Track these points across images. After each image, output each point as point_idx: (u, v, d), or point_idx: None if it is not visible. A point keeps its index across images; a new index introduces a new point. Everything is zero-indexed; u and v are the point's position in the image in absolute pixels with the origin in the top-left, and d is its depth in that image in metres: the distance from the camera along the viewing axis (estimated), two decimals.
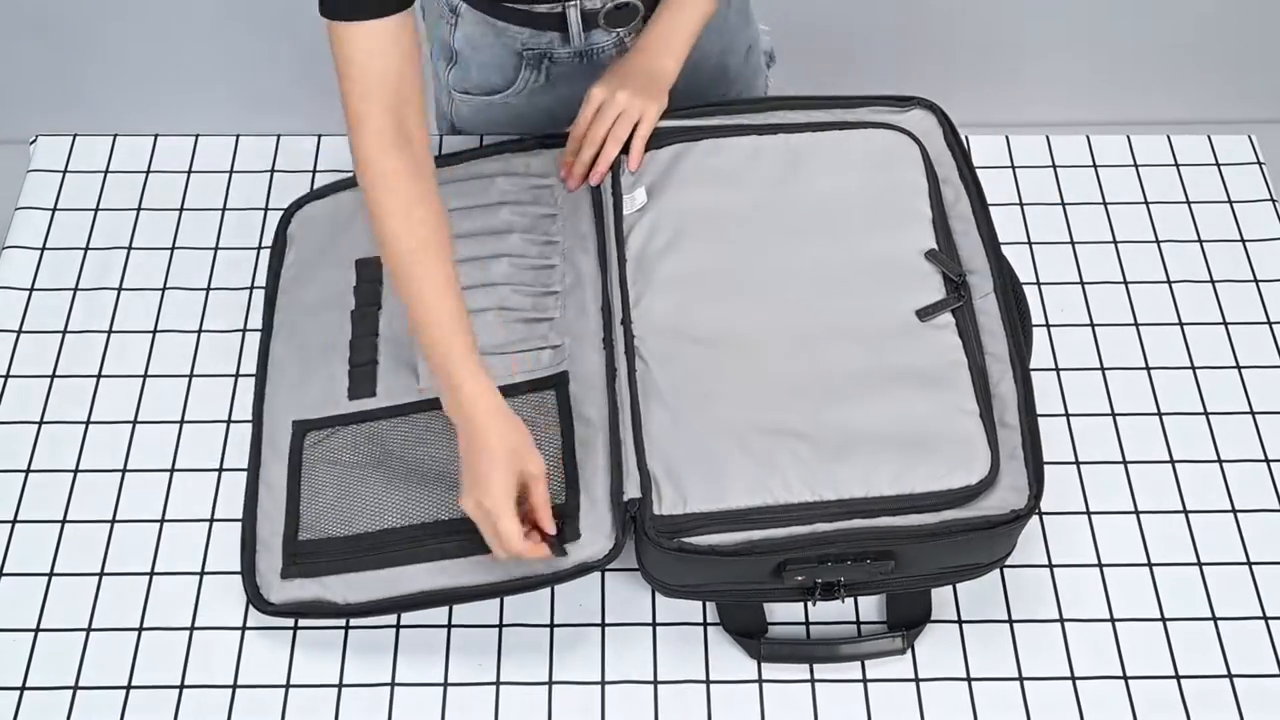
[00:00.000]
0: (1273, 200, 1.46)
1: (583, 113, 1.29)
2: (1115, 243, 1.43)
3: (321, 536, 1.17)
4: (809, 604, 1.18)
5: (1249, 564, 1.22)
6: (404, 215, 1.08)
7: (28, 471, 1.27)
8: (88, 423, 1.30)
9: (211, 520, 1.24)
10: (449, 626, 1.18)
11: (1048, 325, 1.36)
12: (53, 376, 1.33)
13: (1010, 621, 1.18)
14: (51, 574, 1.21)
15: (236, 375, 1.33)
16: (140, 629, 1.18)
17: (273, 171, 1.48)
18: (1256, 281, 1.40)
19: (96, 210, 1.45)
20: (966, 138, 1.47)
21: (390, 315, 1.29)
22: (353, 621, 1.18)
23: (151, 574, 1.21)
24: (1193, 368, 1.34)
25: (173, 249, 1.42)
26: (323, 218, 1.38)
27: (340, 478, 1.20)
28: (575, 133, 1.30)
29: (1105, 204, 1.46)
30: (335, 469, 1.21)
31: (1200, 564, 1.22)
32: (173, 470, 1.27)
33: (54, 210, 1.45)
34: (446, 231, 1.11)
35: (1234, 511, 1.25)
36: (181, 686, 1.15)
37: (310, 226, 1.38)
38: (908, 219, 1.26)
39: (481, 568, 1.13)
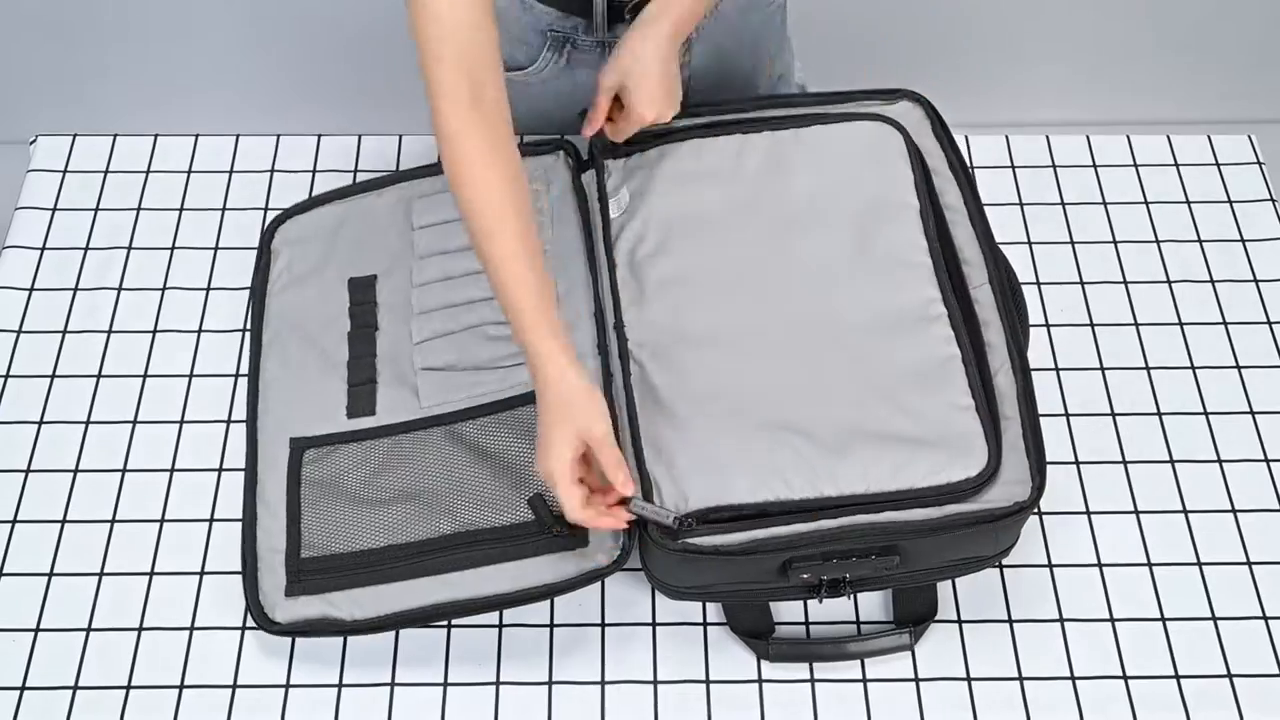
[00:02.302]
0: (1273, 200, 1.46)
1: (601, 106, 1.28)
2: (1115, 243, 1.43)
3: (324, 553, 1.17)
4: (816, 601, 1.18)
5: (1249, 564, 1.22)
6: (480, 188, 1.09)
7: (28, 471, 1.27)
8: (88, 423, 1.30)
9: (211, 520, 1.24)
10: (449, 627, 1.18)
11: (1048, 325, 1.36)
12: (53, 376, 1.33)
13: (1010, 621, 1.18)
14: (51, 574, 1.21)
15: (236, 375, 1.33)
16: (140, 629, 1.18)
17: (273, 171, 1.48)
18: (1256, 281, 1.40)
19: (96, 210, 1.45)
20: (966, 138, 1.47)
21: (388, 336, 1.29)
22: None
23: (151, 574, 1.21)
24: (1193, 368, 1.34)
25: (173, 249, 1.42)
26: (309, 232, 1.38)
27: (341, 495, 1.20)
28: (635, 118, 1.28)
29: (1105, 204, 1.46)
30: (336, 486, 1.21)
31: (1200, 564, 1.22)
32: (173, 470, 1.27)
33: (54, 210, 1.45)
34: (523, 197, 1.11)
35: (1234, 511, 1.25)
36: (181, 686, 1.15)
37: (296, 241, 1.38)
38: (894, 212, 1.26)
39: (488, 579, 1.13)
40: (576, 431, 1.07)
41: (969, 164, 1.31)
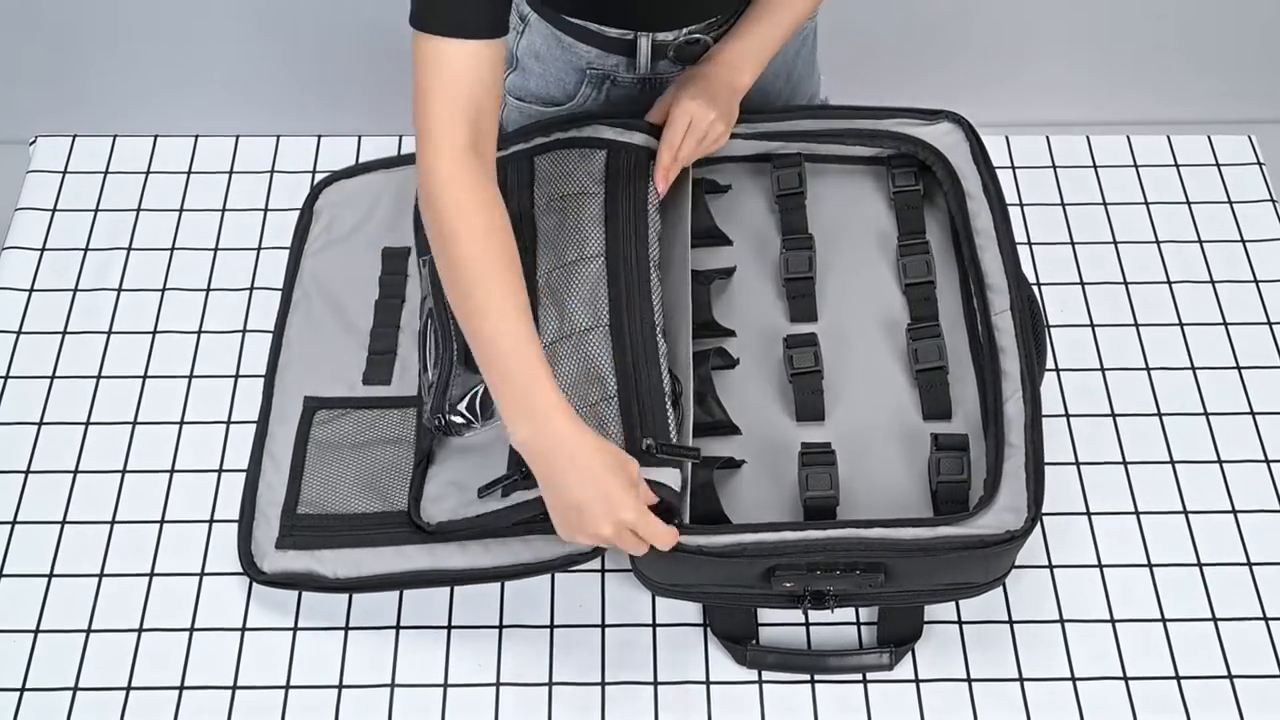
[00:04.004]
0: (1273, 200, 1.46)
1: (676, 124, 1.25)
2: (1115, 243, 1.43)
3: (319, 512, 1.19)
4: (801, 612, 1.17)
5: (1249, 564, 1.22)
6: (480, 240, 1.03)
7: (28, 472, 1.27)
8: (88, 423, 1.30)
9: (211, 520, 1.24)
10: (449, 627, 1.18)
11: (1048, 325, 1.36)
12: (53, 377, 1.33)
13: (1010, 622, 1.18)
14: (51, 574, 1.21)
15: (236, 375, 1.33)
16: (140, 629, 1.18)
17: (273, 172, 1.48)
18: (1256, 281, 1.40)
19: (96, 211, 1.45)
20: None
21: (413, 310, 1.30)
22: (353, 621, 1.18)
23: (151, 574, 1.21)
24: (1193, 368, 1.34)
25: (173, 249, 1.42)
26: (352, 197, 1.40)
27: (344, 458, 1.22)
28: (671, 143, 1.25)
29: (1105, 204, 1.46)
30: (340, 449, 1.23)
31: (1200, 564, 1.22)
32: (173, 470, 1.27)
33: (54, 211, 1.45)
34: (516, 252, 1.05)
35: (1234, 511, 1.25)
36: (181, 687, 1.15)
37: (339, 204, 1.39)
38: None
39: (469, 554, 1.14)
40: (628, 475, 1.03)
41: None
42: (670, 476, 1.09)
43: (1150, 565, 1.22)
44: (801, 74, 1.43)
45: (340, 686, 1.15)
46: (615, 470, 1.02)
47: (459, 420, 1.17)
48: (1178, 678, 1.16)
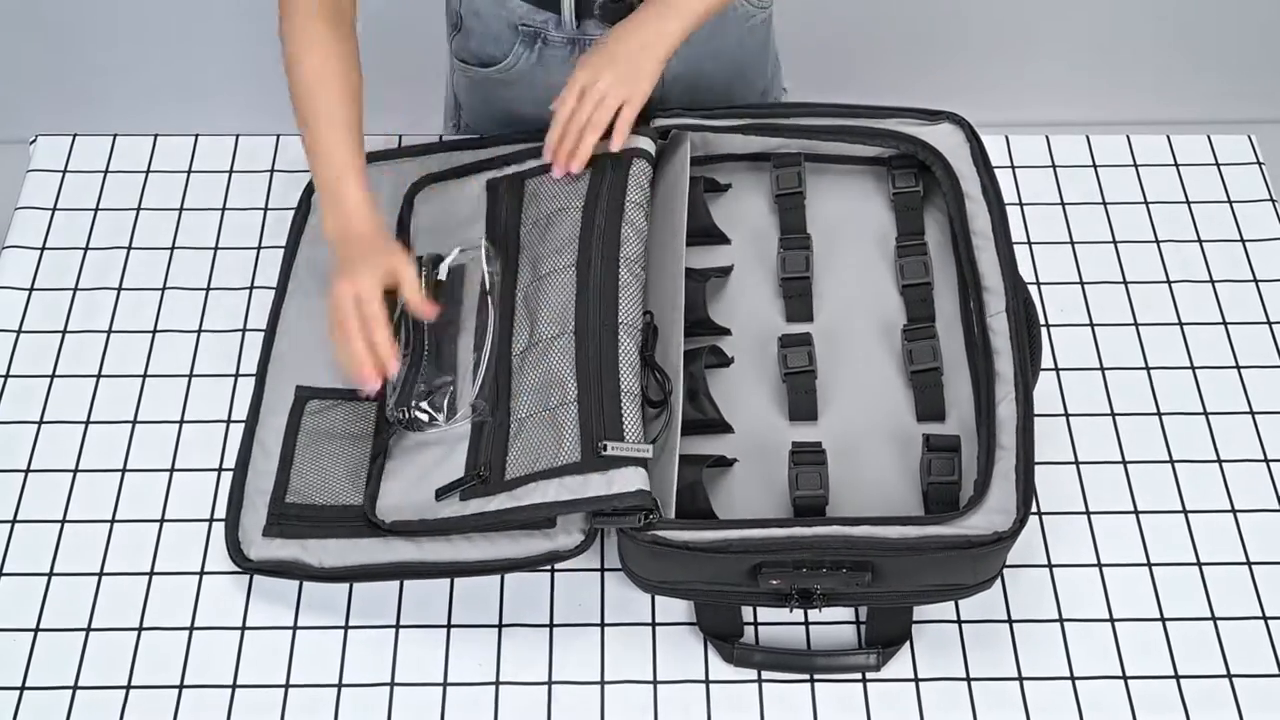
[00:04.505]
0: (1273, 200, 1.46)
1: (566, 96, 1.25)
2: (1115, 243, 1.43)
3: (307, 501, 1.20)
4: (788, 610, 1.17)
5: (1249, 564, 1.22)
6: (318, 65, 1.22)
7: (27, 471, 1.27)
8: (87, 423, 1.30)
9: (211, 520, 1.24)
10: (449, 626, 1.18)
11: (1048, 325, 1.36)
12: (53, 376, 1.33)
13: (1010, 621, 1.18)
14: (51, 574, 1.21)
15: (236, 375, 1.33)
16: (140, 629, 1.18)
17: (272, 171, 1.48)
18: (1256, 281, 1.40)
19: (96, 210, 1.45)
20: None
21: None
22: (352, 620, 1.18)
23: (151, 574, 1.21)
24: (1192, 368, 1.34)
25: (172, 249, 1.42)
26: None
27: (334, 449, 1.22)
28: (559, 116, 1.26)
29: (1105, 204, 1.46)
30: (331, 440, 1.23)
31: (1200, 564, 1.22)
32: (172, 470, 1.27)
33: (54, 210, 1.45)
34: (354, 86, 1.24)
35: (1233, 511, 1.25)
36: (181, 686, 1.15)
37: None
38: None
39: (453, 547, 1.14)
40: (388, 267, 1.17)
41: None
42: (635, 478, 1.08)
43: (1150, 565, 1.22)
44: (747, 63, 1.43)
45: (340, 685, 1.15)
46: (374, 255, 1.17)
47: (422, 416, 1.18)
48: (1177, 677, 1.16)
